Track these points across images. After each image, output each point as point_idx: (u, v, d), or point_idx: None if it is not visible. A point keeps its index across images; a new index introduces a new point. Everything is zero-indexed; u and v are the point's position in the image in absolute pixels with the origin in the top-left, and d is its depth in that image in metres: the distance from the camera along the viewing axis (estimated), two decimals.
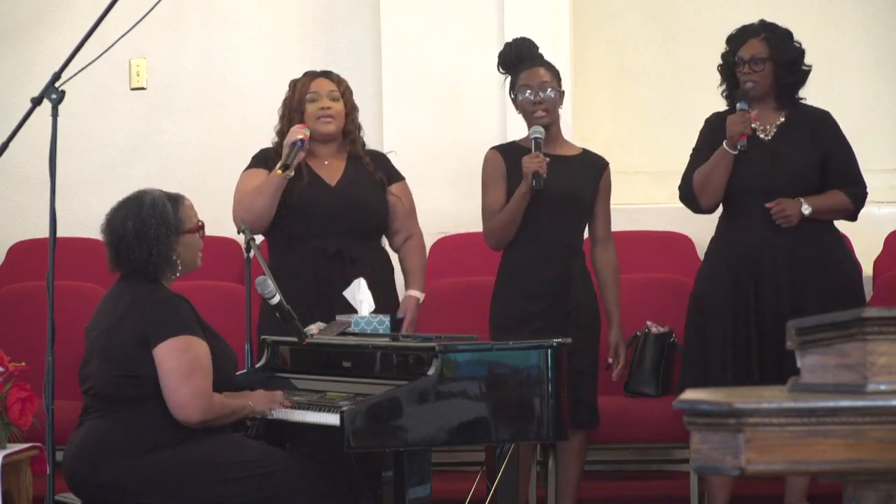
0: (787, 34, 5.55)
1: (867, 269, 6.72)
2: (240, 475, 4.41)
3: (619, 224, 6.72)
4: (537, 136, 5.41)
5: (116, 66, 7.24)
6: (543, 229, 5.45)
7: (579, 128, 7.18)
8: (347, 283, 5.22)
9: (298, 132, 5.37)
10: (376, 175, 5.54)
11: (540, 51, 5.61)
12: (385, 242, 5.68)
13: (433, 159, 6.91)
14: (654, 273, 5.97)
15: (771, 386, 2.95)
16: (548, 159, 5.37)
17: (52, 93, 4.25)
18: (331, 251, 5.39)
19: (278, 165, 5.35)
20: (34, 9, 7.43)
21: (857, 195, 5.53)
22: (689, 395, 2.74)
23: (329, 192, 5.47)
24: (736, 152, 5.44)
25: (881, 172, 7.14)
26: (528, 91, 5.48)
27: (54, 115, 4.25)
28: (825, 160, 5.50)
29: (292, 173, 5.38)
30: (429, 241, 6.85)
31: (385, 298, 5.30)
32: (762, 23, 5.58)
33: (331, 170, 5.53)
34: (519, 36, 5.63)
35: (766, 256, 5.44)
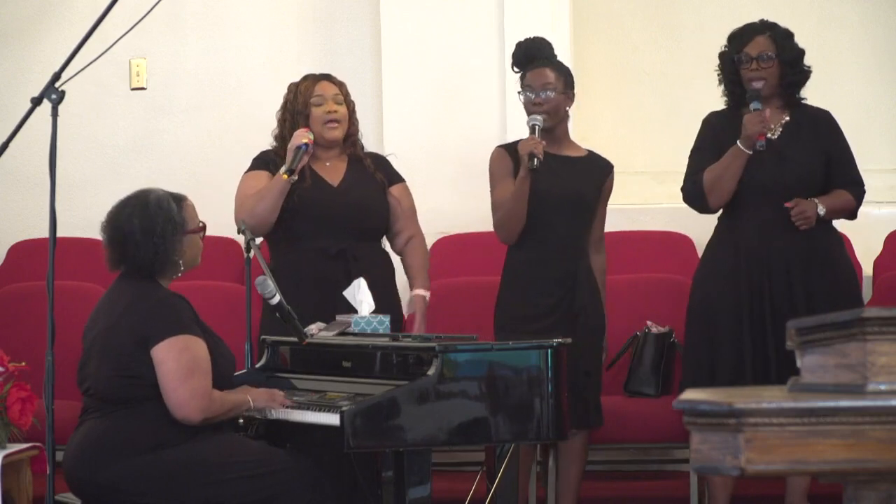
0: (789, 34, 5.56)
1: (867, 269, 6.72)
2: (240, 475, 4.41)
3: (619, 224, 6.72)
4: (535, 122, 5.43)
5: (116, 66, 7.24)
6: (549, 228, 5.45)
7: (579, 128, 7.17)
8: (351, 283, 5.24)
9: (302, 136, 5.37)
10: (377, 176, 5.54)
11: (555, 52, 5.61)
12: (386, 244, 5.68)
13: (433, 159, 6.90)
14: (654, 273, 5.97)
15: (771, 386, 2.95)
16: (544, 142, 5.38)
17: (52, 93, 4.25)
18: (333, 251, 5.39)
19: (283, 169, 5.34)
20: (34, 9, 7.43)
21: (859, 195, 5.54)
22: (689, 395, 2.74)
23: (332, 192, 5.47)
24: (751, 153, 5.41)
25: (881, 172, 7.14)
26: (530, 92, 5.50)
27: (54, 115, 4.25)
28: (829, 160, 5.50)
29: (296, 177, 5.38)
30: (429, 241, 6.85)
31: (387, 299, 5.31)
32: (764, 22, 5.57)
33: (332, 171, 5.53)
34: (533, 35, 5.63)
35: (777, 257, 5.40)
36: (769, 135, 5.47)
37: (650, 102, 7.33)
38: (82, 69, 4.38)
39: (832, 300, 5.31)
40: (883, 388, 2.66)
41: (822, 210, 5.42)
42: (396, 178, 5.63)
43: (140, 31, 4.74)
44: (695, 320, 5.53)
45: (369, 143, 6.84)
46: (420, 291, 5.50)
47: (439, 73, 6.94)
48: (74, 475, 4.45)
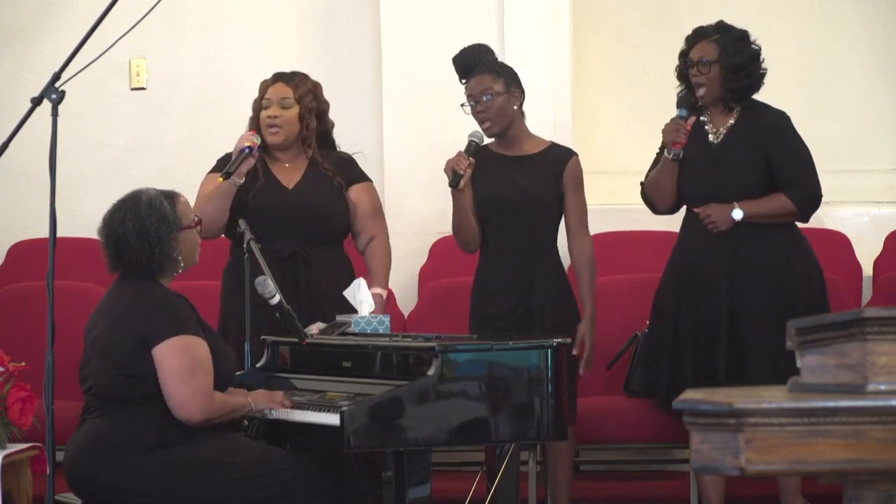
0: (742, 36, 5.49)
1: (867, 269, 6.72)
2: (240, 475, 4.41)
3: (618, 224, 6.73)
4: (472, 139, 5.41)
5: (116, 66, 7.24)
6: (503, 233, 5.45)
7: (579, 128, 7.18)
8: (303, 286, 5.26)
9: (247, 139, 5.41)
10: (335, 179, 5.52)
11: (493, 55, 5.54)
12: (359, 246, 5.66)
13: (433, 159, 6.89)
14: (653, 273, 5.95)
15: (771, 386, 2.95)
16: (472, 160, 5.35)
17: (52, 93, 4.25)
18: (285, 253, 5.37)
19: (222, 172, 5.37)
20: (34, 9, 7.43)
21: (802, 198, 5.43)
22: (690, 395, 2.74)
23: (285, 194, 5.46)
24: (673, 160, 5.43)
25: (881, 172, 7.13)
26: (472, 101, 5.47)
27: (54, 115, 4.25)
28: (769, 164, 5.44)
29: (240, 180, 5.39)
30: (429, 241, 6.86)
31: (344, 303, 5.26)
32: (718, 24, 5.55)
33: (290, 173, 5.52)
34: (471, 44, 5.59)
35: (707, 262, 5.43)
36: (712, 139, 5.48)
37: (650, 102, 7.32)
38: (82, 69, 4.38)
39: (762, 308, 5.34)
40: (883, 388, 2.67)
41: (737, 214, 5.38)
42: (358, 179, 5.59)
43: (140, 31, 4.74)
44: (651, 319, 5.64)
45: (369, 142, 6.85)
46: (377, 290, 5.47)
47: (439, 74, 6.93)
48: (75, 475, 4.46)
